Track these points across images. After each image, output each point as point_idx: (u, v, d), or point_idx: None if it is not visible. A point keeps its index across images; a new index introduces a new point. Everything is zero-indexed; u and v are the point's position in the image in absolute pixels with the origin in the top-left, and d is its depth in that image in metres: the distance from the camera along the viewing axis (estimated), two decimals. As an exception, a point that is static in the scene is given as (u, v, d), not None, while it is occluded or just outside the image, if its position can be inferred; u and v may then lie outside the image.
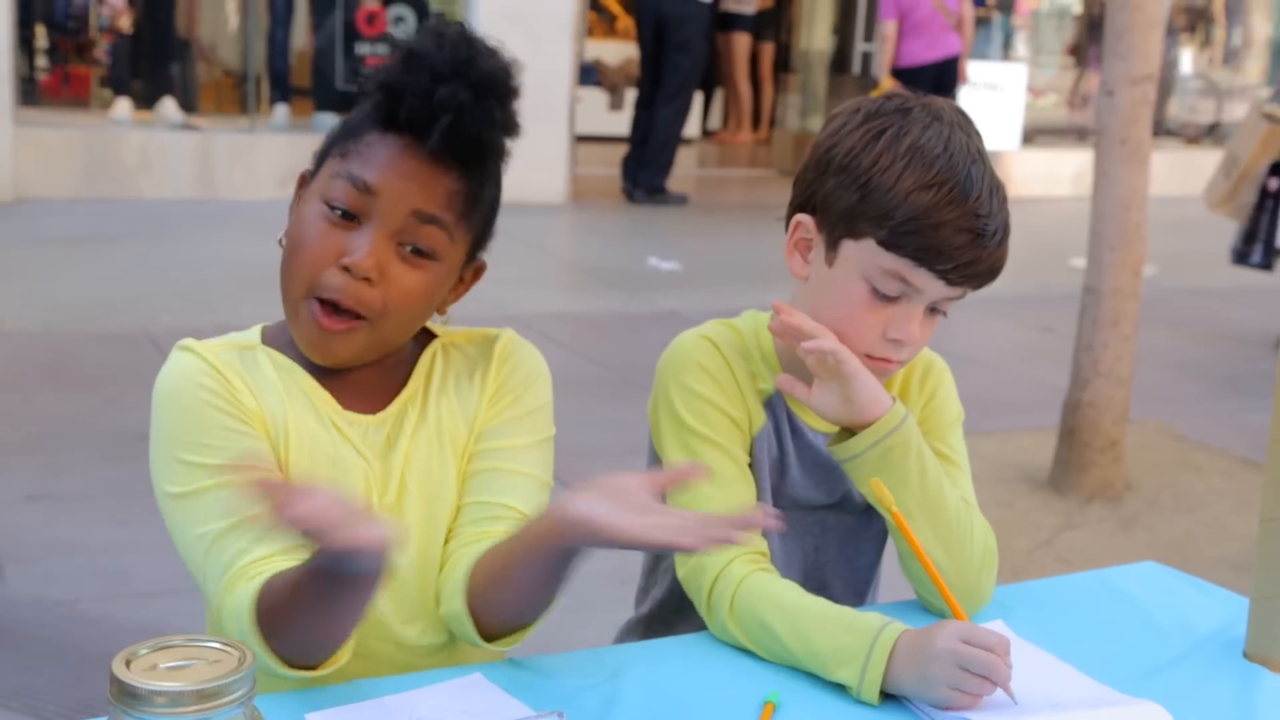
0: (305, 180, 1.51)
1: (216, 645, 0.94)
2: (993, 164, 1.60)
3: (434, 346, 1.58)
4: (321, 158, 1.49)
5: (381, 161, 1.42)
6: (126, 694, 0.87)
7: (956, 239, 1.53)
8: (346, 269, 1.41)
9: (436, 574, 1.54)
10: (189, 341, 1.48)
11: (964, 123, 1.61)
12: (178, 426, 1.42)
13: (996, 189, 1.57)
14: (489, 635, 1.47)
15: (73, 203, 8.37)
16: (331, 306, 1.43)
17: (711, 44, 14.06)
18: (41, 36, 10.16)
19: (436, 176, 1.43)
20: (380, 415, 1.52)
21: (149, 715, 0.87)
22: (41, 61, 10.20)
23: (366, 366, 1.51)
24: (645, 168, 9.97)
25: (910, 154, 1.55)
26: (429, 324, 1.58)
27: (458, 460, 1.55)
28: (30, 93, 9.63)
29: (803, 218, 1.65)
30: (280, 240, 1.50)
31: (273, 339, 1.53)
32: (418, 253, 1.44)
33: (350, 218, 1.42)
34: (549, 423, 1.60)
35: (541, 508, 1.53)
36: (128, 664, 0.90)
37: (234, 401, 1.44)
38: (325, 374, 1.51)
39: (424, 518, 1.53)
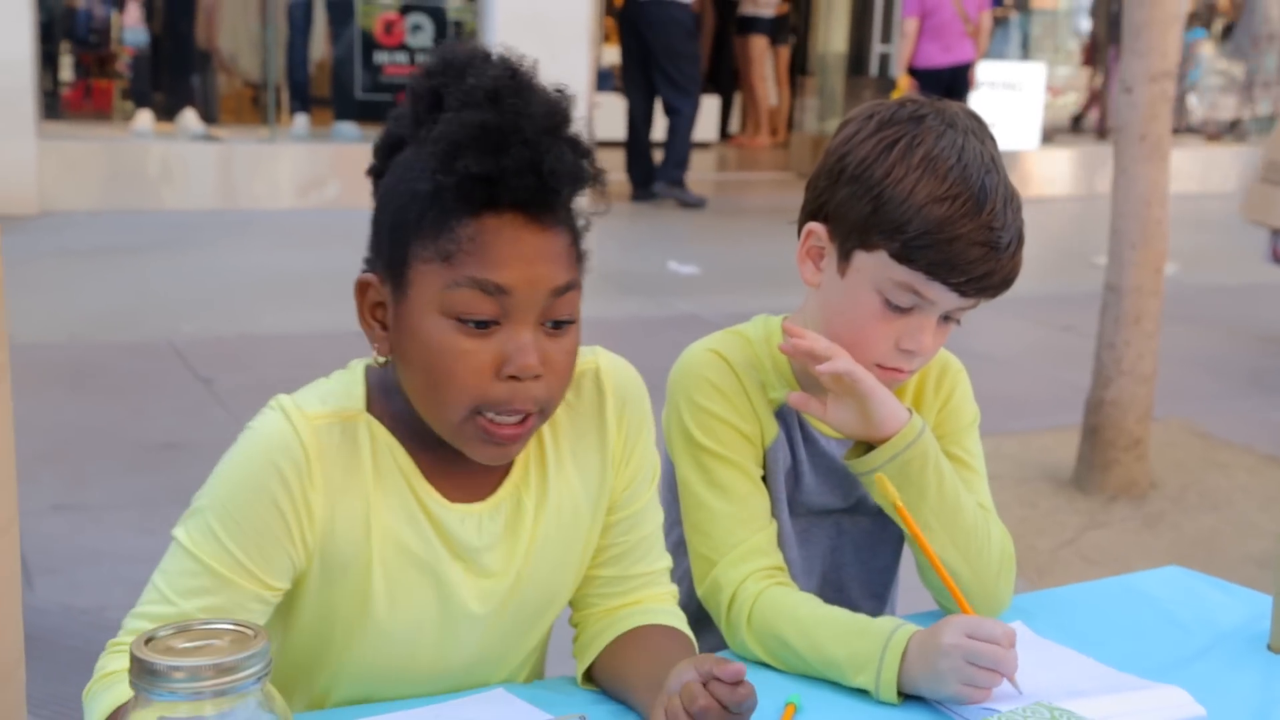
0: (366, 288, 1.37)
1: (231, 627, 0.96)
2: (1006, 169, 1.59)
3: None
4: (399, 261, 1.32)
5: (504, 255, 1.28)
6: (147, 672, 0.89)
7: (971, 252, 1.52)
8: (514, 377, 1.30)
9: (525, 651, 1.53)
10: (289, 403, 1.36)
11: (978, 129, 1.59)
12: (229, 493, 1.33)
13: (1010, 199, 1.55)
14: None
15: (96, 214, 8.42)
16: (499, 415, 1.33)
17: (723, 46, 14.08)
18: (64, 50, 10.22)
19: (553, 242, 1.31)
20: (492, 500, 1.43)
21: (168, 692, 0.89)
22: (64, 75, 10.26)
23: None
24: (664, 165, 9.99)
25: (924, 165, 1.53)
26: None
27: (582, 536, 1.50)
28: (53, 106, 9.70)
29: (815, 226, 1.64)
30: (378, 360, 1.38)
31: (378, 400, 1.40)
32: (560, 324, 1.34)
33: (486, 326, 1.30)
34: (656, 448, 1.57)
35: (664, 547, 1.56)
36: (147, 643, 0.92)
37: (301, 503, 1.33)
38: (428, 462, 1.40)
39: (535, 605, 1.49)
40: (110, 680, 1.30)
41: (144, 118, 9.35)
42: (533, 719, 1.38)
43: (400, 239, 1.32)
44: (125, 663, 1.26)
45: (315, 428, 1.35)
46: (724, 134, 14.66)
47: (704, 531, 1.64)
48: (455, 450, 1.38)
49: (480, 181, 1.26)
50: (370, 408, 1.39)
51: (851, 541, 1.79)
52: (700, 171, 11.68)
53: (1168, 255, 4.45)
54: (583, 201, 1.36)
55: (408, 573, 1.40)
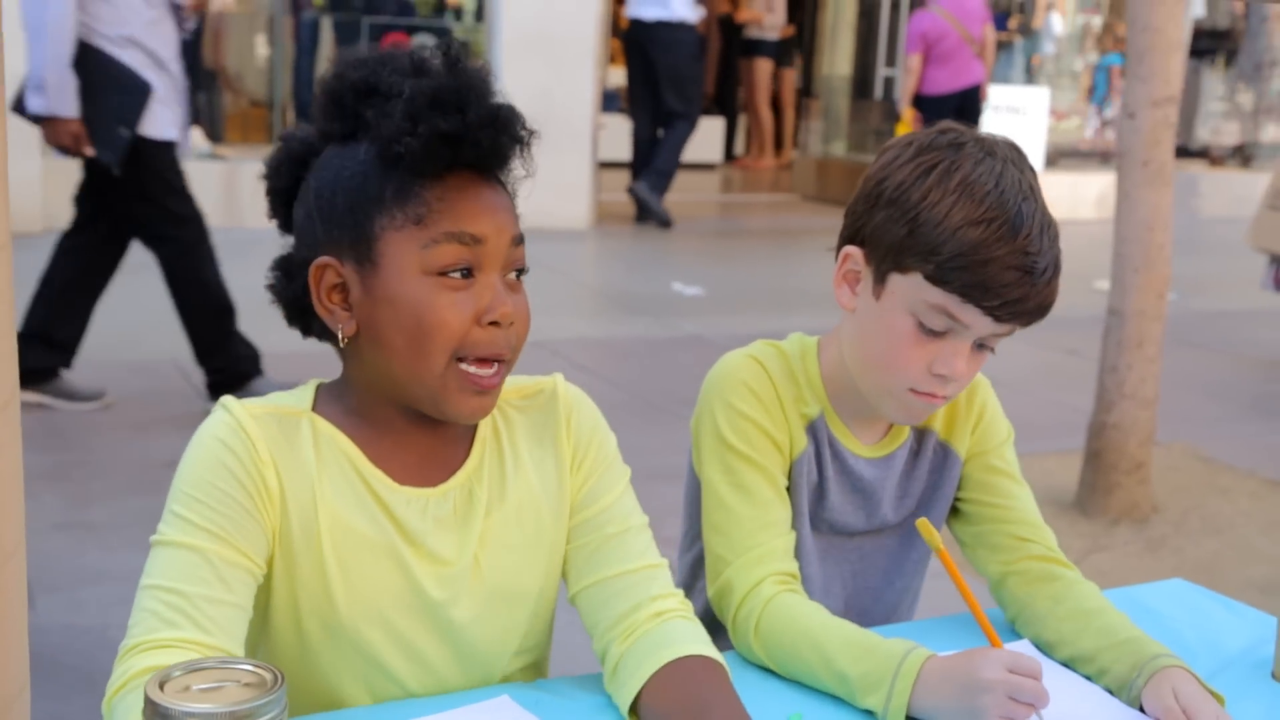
0: (322, 272, 1.40)
1: (249, 667, 0.94)
2: (1044, 200, 1.58)
3: None
4: (364, 237, 1.38)
5: (473, 208, 1.37)
6: (160, 715, 0.87)
7: (1005, 276, 1.52)
8: (495, 323, 1.38)
9: (507, 650, 1.53)
10: (230, 400, 1.43)
11: (1017, 159, 1.59)
12: (188, 480, 1.38)
13: (1048, 226, 1.55)
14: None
15: (100, 233, 8.42)
16: (478, 361, 1.40)
17: (728, 68, 14.12)
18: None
19: (502, 196, 1.42)
20: (443, 488, 1.47)
21: None
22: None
23: (433, 441, 1.48)
24: (649, 171, 9.97)
25: (961, 189, 1.54)
26: None
27: (546, 537, 1.52)
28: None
29: (852, 250, 1.65)
30: (342, 341, 1.41)
31: (326, 404, 1.47)
32: (519, 273, 1.44)
33: (467, 274, 1.38)
34: (623, 462, 1.59)
35: (650, 548, 1.54)
36: (161, 686, 0.90)
37: (255, 474, 1.38)
38: (379, 449, 1.45)
39: (498, 597, 1.50)
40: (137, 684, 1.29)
41: (149, 136, 9.36)
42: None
43: (363, 215, 1.38)
44: (165, 659, 1.28)
45: (253, 415, 1.41)
46: (729, 155, 14.68)
47: (723, 532, 1.64)
48: (409, 441, 1.45)
49: (446, 140, 1.34)
50: (315, 409, 1.46)
51: (874, 564, 1.80)
52: (704, 193, 11.70)
53: (1170, 280, 4.45)
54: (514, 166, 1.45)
55: (360, 555, 1.43)
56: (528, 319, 1.44)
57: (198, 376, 5.07)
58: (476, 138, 1.35)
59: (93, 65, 4.63)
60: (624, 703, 1.42)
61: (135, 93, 4.69)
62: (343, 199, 1.39)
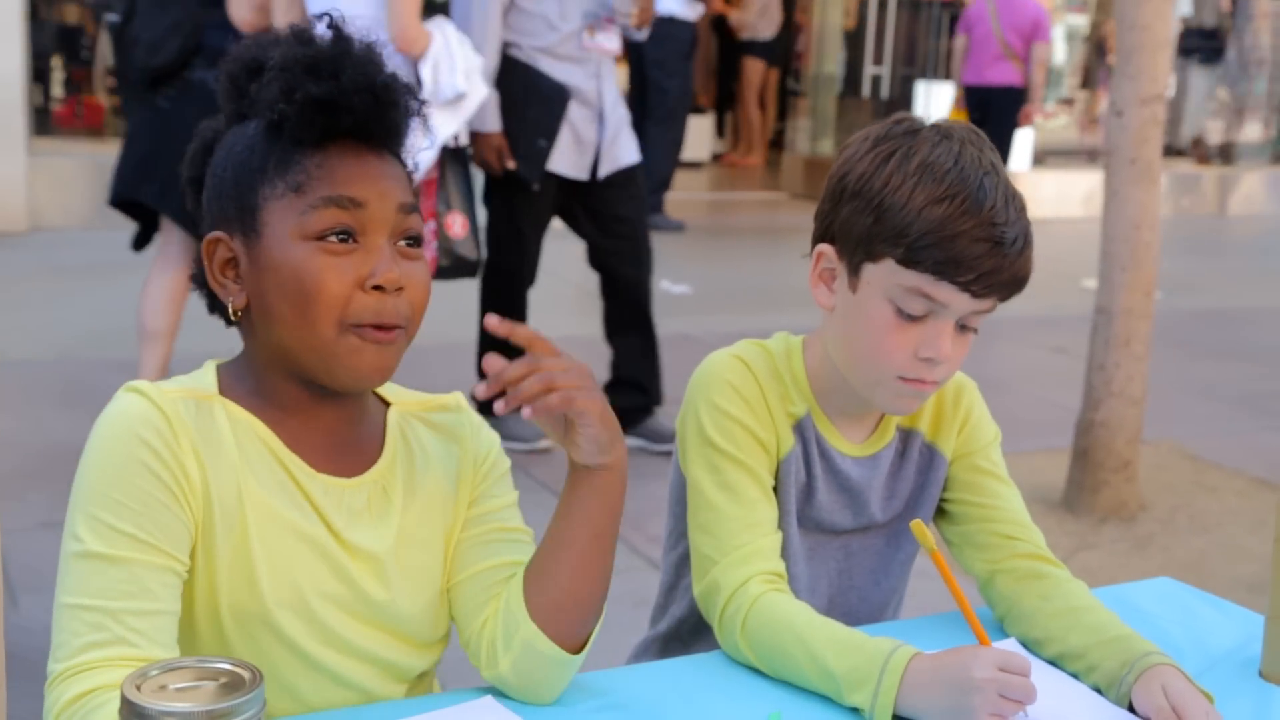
0: (214, 247, 1.41)
1: (227, 666, 0.93)
2: (1008, 175, 1.59)
3: (395, 413, 1.53)
4: (248, 209, 1.38)
5: (352, 174, 1.37)
6: (137, 715, 0.87)
7: (975, 249, 1.52)
8: (379, 288, 1.36)
9: (419, 648, 1.50)
10: (140, 384, 1.39)
11: (975, 139, 1.60)
12: (104, 478, 1.33)
13: (1012, 198, 1.56)
14: (569, 646, 1.43)
15: (86, 232, 8.40)
16: (372, 328, 1.38)
17: (728, 68, 14.10)
18: (54, 66, 10.21)
19: (390, 165, 1.41)
20: (357, 481, 1.45)
21: None
22: (55, 91, 10.25)
23: (339, 424, 1.46)
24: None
25: (920, 171, 1.55)
26: (378, 390, 1.53)
27: (443, 534, 1.51)
28: (44, 123, 9.68)
29: (824, 248, 1.65)
30: (235, 312, 1.41)
31: (230, 386, 1.44)
32: (411, 242, 1.41)
33: (348, 239, 1.37)
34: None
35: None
36: (138, 686, 0.89)
37: (175, 466, 1.34)
38: (291, 432, 1.43)
39: (411, 589, 1.48)
40: (91, 700, 1.26)
41: (135, 135, 9.31)
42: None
43: (247, 187, 1.39)
44: (95, 681, 1.25)
45: (170, 399, 1.37)
46: (714, 154, 14.67)
47: (709, 531, 1.64)
48: (318, 424, 1.44)
49: (320, 106, 1.34)
50: (222, 393, 1.43)
51: (863, 563, 1.79)
52: (692, 191, 11.68)
53: (1157, 278, 4.46)
54: (411, 140, 1.45)
55: (285, 541, 1.40)
56: (424, 287, 1.42)
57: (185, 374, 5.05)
58: (351, 103, 1.35)
59: (514, 78, 4.55)
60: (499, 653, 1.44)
61: (554, 103, 4.58)
62: (230, 173, 1.40)
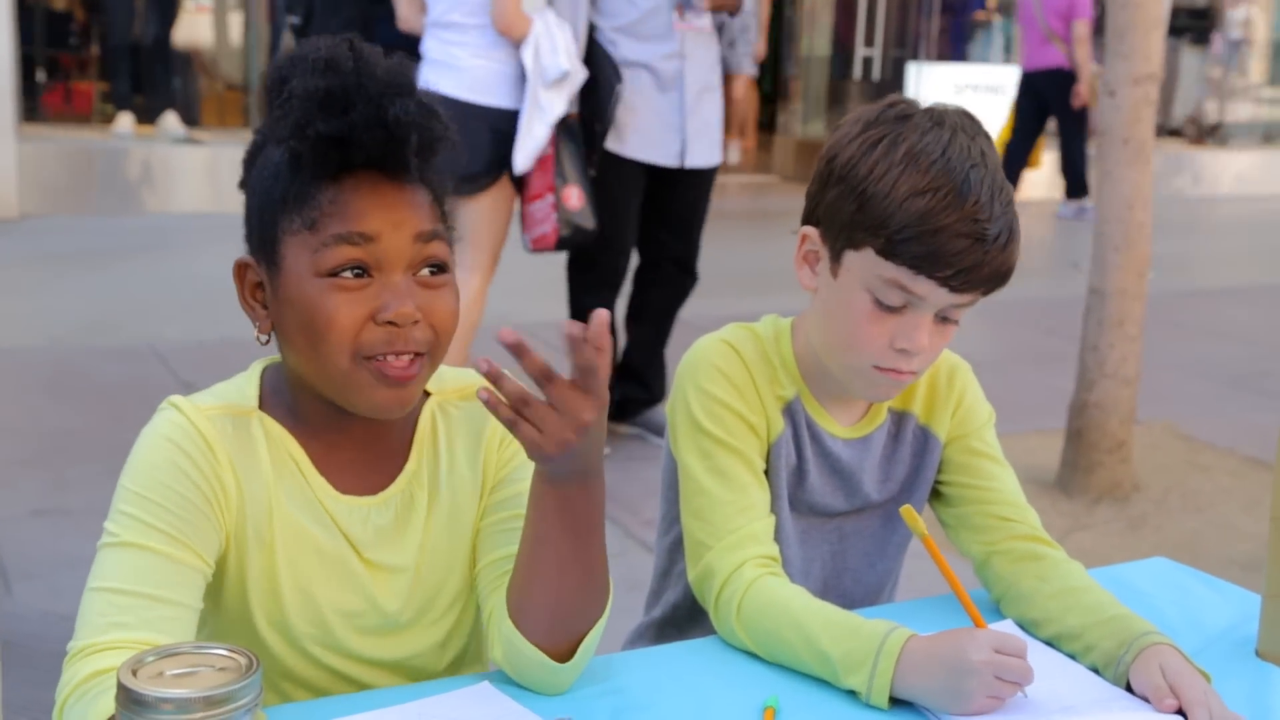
0: (244, 271, 1.43)
1: (223, 652, 0.93)
2: (999, 166, 1.57)
3: (429, 407, 1.53)
4: (270, 239, 1.39)
5: (364, 208, 1.35)
6: (133, 701, 0.87)
7: (955, 244, 1.50)
8: (391, 323, 1.35)
9: (435, 645, 1.53)
10: (179, 400, 1.41)
11: (969, 126, 1.57)
12: (140, 481, 1.36)
13: (999, 192, 1.53)
14: (554, 654, 1.40)
15: (76, 218, 8.38)
16: (389, 359, 1.37)
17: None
18: (43, 53, 10.17)
19: (411, 194, 1.38)
20: (383, 496, 1.47)
21: None
22: (43, 77, 10.21)
23: (368, 439, 1.46)
24: None
25: (906, 160, 1.53)
26: None
27: (469, 531, 1.52)
28: (33, 109, 9.65)
29: (809, 230, 1.64)
30: (261, 338, 1.43)
31: (270, 397, 1.46)
32: (434, 270, 1.40)
33: (362, 274, 1.36)
34: None
35: None
36: (135, 672, 0.89)
37: (212, 476, 1.38)
38: (320, 451, 1.45)
39: (432, 600, 1.51)
40: (105, 680, 1.27)
41: (125, 120, 9.30)
42: (517, 716, 1.37)
43: (269, 218, 1.38)
44: (113, 661, 1.26)
45: (208, 417, 1.40)
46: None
47: (702, 517, 1.63)
48: (347, 440, 1.45)
49: (333, 143, 1.32)
50: (263, 405, 1.45)
51: (856, 545, 1.79)
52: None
53: (1150, 258, 4.45)
54: (441, 162, 1.42)
55: (310, 560, 1.43)
56: (448, 314, 1.40)
57: (176, 363, 5.04)
58: (362, 140, 1.32)
59: (588, 59, 4.46)
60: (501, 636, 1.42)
61: (604, 87, 4.46)
62: (257, 199, 1.41)
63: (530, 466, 1.43)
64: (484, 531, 1.52)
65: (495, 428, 1.52)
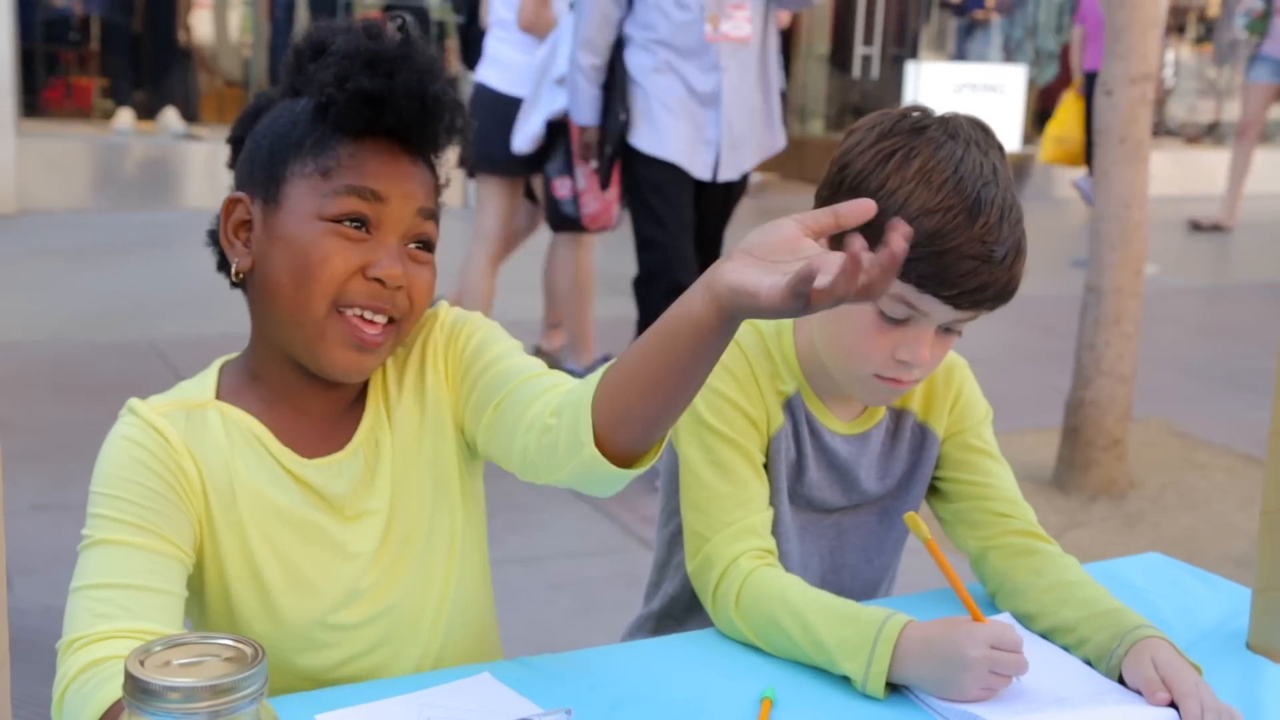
0: (233, 206, 1.46)
1: (229, 642, 0.94)
2: (1010, 182, 1.57)
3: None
4: (276, 178, 1.42)
5: (380, 170, 1.40)
6: (141, 690, 0.87)
7: (962, 265, 1.51)
8: (379, 280, 1.39)
9: (428, 608, 1.53)
10: (135, 403, 1.45)
11: (982, 140, 1.57)
12: (106, 482, 1.40)
13: (1008, 210, 1.54)
14: (618, 459, 1.29)
15: (76, 214, 8.39)
16: (361, 318, 1.41)
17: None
18: (44, 48, 10.17)
19: (420, 170, 1.45)
20: (350, 447, 1.49)
21: (163, 711, 0.87)
22: (43, 73, 10.21)
23: (329, 407, 1.49)
24: None
25: (918, 177, 1.53)
26: None
27: (448, 477, 1.53)
28: (32, 104, 9.65)
29: None
30: (237, 275, 1.45)
31: (229, 385, 1.49)
32: (423, 247, 1.45)
33: (362, 227, 1.40)
34: (509, 336, 1.53)
35: (534, 361, 1.47)
36: (142, 661, 0.90)
37: (172, 465, 1.40)
38: (283, 421, 1.47)
39: (419, 532, 1.51)
40: (102, 670, 1.28)
41: (124, 116, 9.31)
42: (517, 707, 1.38)
43: (280, 158, 1.42)
44: (106, 651, 1.27)
45: (161, 413, 1.43)
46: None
47: (701, 509, 1.65)
48: (308, 407, 1.47)
49: (369, 100, 1.37)
50: (221, 396, 1.48)
51: (853, 541, 1.80)
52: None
53: (1146, 256, 4.47)
54: (447, 156, 1.49)
55: (282, 530, 1.45)
56: (426, 290, 1.45)
57: (175, 358, 5.05)
58: (399, 104, 1.38)
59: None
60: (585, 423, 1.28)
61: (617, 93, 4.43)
62: (268, 141, 1.45)
63: (491, 339, 1.48)
64: (469, 403, 1.49)
65: (429, 340, 1.52)
